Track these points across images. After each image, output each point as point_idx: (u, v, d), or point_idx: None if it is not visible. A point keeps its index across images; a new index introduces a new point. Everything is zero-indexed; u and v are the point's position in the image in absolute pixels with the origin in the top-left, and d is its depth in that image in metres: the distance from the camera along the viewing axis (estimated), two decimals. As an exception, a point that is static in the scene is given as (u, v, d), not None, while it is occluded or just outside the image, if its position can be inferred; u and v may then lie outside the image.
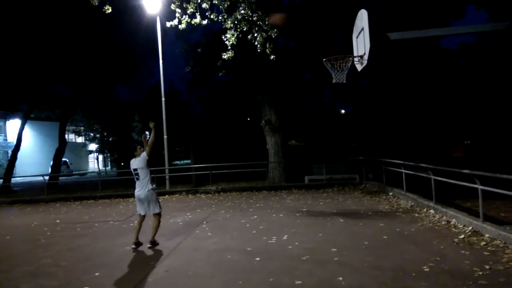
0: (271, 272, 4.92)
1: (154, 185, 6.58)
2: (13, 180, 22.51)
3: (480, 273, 4.48)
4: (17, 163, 21.64)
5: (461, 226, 6.69)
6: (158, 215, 6.59)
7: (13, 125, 34.42)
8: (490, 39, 21.37)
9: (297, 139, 38.90)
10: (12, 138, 32.87)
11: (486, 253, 5.20)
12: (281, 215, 8.90)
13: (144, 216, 6.65)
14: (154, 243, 6.49)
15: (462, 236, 6.09)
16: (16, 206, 13.66)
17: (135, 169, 6.51)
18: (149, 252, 6.21)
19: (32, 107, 22.47)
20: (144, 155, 6.47)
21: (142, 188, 6.46)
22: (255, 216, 8.83)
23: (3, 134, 36.16)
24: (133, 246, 6.42)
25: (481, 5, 16.25)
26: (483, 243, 5.65)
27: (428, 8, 15.53)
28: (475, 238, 5.93)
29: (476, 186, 6.65)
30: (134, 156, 6.61)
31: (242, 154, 25.26)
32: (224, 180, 16.51)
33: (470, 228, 6.41)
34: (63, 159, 25.03)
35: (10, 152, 23.87)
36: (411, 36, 6.89)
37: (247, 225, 7.93)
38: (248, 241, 6.53)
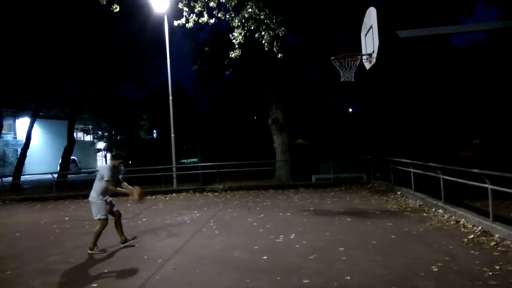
0: (278, 270, 4.91)
1: (96, 195, 6.38)
2: (23, 177, 22.78)
3: (490, 273, 4.43)
4: (26, 161, 21.89)
5: (471, 226, 6.62)
6: (99, 222, 6.39)
7: (22, 123, 34.77)
8: (500, 37, 21.11)
9: (304, 138, 38.78)
10: (21, 136, 33.18)
11: (496, 254, 5.14)
12: (288, 214, 8.88)
13: (114, 216, 6.63)
14: (92, 249, 6.31)
15: (472, 236, 6.03)
16: (25, 204, 13.80)
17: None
18: (157, 250, 6.23)
19: (41, 105, 22.70)
20: (105, 175, 6.28)
21: (90, 193, 6.48)
22: (262, 215, 8.83)
23: (12, 132, 36.55)
24: (121, 245, 6.55)
25: (491, 3, 16.06)
26: (493, 243, 5.58)
27: (437, 6, 15.38)
28: (484, 238, 5.86)
29: (485, 185, 6.58)
30: (111, 161, 6.58)
31: (249, 152, 25.27)
32: (231, 179, 16.53)
33: (480, 228, 6.34)
34: (72, 157, 25.29)
35: (19, 150, 24.09)
36: (421, 34, 6.82)
37: (254, 223, 7.93)
38: (255, 240, 6.52)
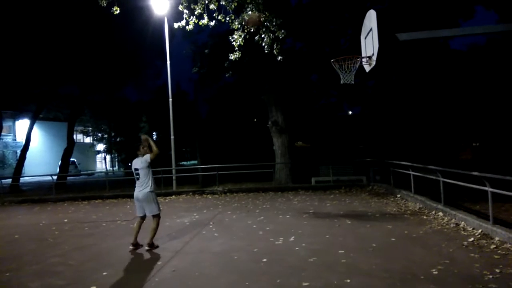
0: (278, 273, 4.90)
1: (154, 186, 6.45)
2: (22, 179, 22.75)
3: (490, 276, 4.41)
4: (26, 162, 21.87)
5: (470, 229, 6.61)
6: (157, 217, 6.48)
7: (22, 125, 34.78)
8: (499, 40, 21.16)
9: (303, 140, 38.81)
10: (21, 138, 33.18)
11: (496, 257, 5.13)
12: (287, 216, 8.87)
13: (143, 218, 6.59)
14: (152, 246, 6.41)
15: (472, 239, 6.02)
16: (24, 205, 13.77)
17: (137, 169, 6.47)
18: (156, 252, 6.22)
19: (40, 107, 22.70)
20: (147, 157, 6.41)
21: (141, 188, 6.39)
22: (262, 217, 8.81)
23: (12, 134, 36.53)
24: (131, 247, 6.40)
25: (491, 6, 16.11)
26: (493, 246, 5.57)
27: (437, 9, 15.41)
28: (484, 241, 5.85)
29: (485, 188, 6.57)
30: (137, 156, 6.58)
31: (248, 155, 25.27)
32: (231, 181, 16.51)
33: (480, 231, 6.33)
34: (71, 159, 25.25)
35: (19, 152, 24.08)
36: (420, 36, 6.82)
37: (254, 226, 7.92)
38: (255, 242, 6.51)
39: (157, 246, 6.50)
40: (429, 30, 8.08)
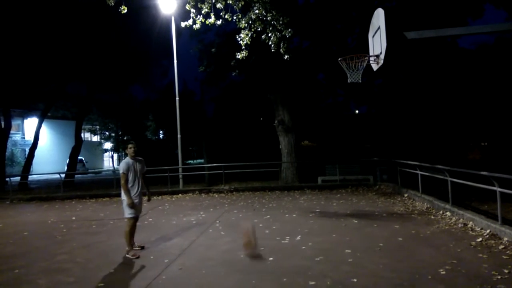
0: (284, 272, 4.90)
1: (123, 193, 6.06)
2: (30, 177, 23.00)
3: (499, 277, 4.37)
4: (34, 161, 22.08)
5: (479, 229, 6.55)
6: (129, 220, 6.10)
7: (30, 123, 35.12)
8: (508, 39, 20.92)
9: (310, 140, 38.71)
10: (29, 137, 33.52)
11: (504, 257, 5.08)
12: (294, 215, 8.86)
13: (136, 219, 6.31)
14: (128, 251, 6.05)
15: (480, 239, 5.97)
16: (33, 203, 13.91)
17: None
18: (163, 250, 6.25)
19: (49, 106, 22.90)
20: (122, 165, 6.05)
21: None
22: (268, 216, 8.81)
23: (21, 133, 36.92)
24: (137, 248, 6.34)
25: (500, 4, 15.91)
26: (501, 246, 5.52)
27: (445, 7, 15.28)
28: (493, 242, 5.80)
29: (494, 188, 6.50)
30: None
31: (255, 154, 25.27)
32: (237, 180, 16.54)
33: (488, 231, 6.27)
34: (79, 158, 25.46)
35: (27, 150, 24.32)
36: (429, 35, 6.75)
37: (260, 225, 7.92)
38: (261, 241, 6.50)
39: (135, 256, 5.93)
40: (438, 28, 8.00)
